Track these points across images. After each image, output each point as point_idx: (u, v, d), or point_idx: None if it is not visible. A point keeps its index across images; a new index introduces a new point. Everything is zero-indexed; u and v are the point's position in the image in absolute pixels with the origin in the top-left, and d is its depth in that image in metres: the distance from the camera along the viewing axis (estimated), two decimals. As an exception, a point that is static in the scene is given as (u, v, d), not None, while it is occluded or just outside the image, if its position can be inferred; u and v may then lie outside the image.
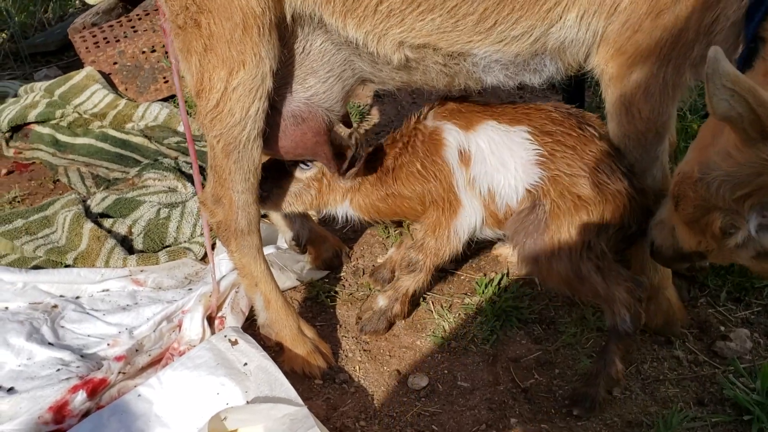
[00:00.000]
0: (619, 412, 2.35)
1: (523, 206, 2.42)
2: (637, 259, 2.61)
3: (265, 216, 3.24)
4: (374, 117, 4.70)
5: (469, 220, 2.56)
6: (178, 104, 4.73)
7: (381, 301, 2.74)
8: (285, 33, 2.26)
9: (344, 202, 2.74)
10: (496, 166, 2.45)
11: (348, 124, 2.86)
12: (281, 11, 2.18)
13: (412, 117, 2.69)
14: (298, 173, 2.70)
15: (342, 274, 3.16)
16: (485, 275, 3.02)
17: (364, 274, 3.16)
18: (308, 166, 2.68)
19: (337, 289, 3.05)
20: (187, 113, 4.29)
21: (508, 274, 3.00)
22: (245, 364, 2.40)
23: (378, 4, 2.18)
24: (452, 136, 2.53)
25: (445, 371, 2.57)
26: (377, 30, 2.25)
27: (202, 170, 3.80)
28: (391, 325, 2.76)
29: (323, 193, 2.72)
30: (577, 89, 3.74)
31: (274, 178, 2.69)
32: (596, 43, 2.25)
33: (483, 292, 2.87)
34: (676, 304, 2.62)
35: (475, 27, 2.22)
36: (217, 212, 2.47)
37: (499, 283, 2.90)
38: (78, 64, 5.27)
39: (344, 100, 2.56)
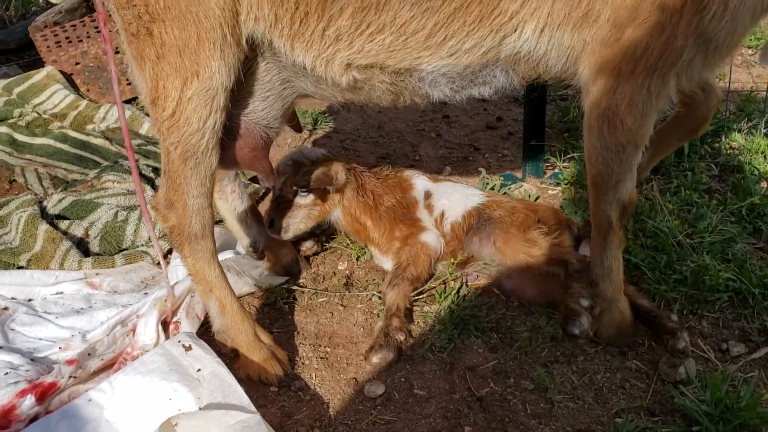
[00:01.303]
0: (571, 422, 2.37)
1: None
2: (592, 274, 2.65)
3: (219, 221, 3.21)
4: (341, 124, 4.71)
5: (432, 237, 3.08)
6: (140, 107, 4.69)
7: (379, 323, 2.76)
8: (241, 53, 2.27)
9: (335, 209, 3.16)
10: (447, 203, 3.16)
11: (297, 128, 2.88)
12: (237, 31, 2.20)
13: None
14: (300, 200, 3.07)
15: (302, 280, 3.14)
16: (444, 284, 3.03)
17: (324, 280, 3.15)
18: (305, 193, 3.05)
19: (295, 295, 3.03)
20: (147, 114, 4.23)
21: (467, 283, 3.01)
22: (198, 370, 2.37)
23: (325, 29, 2.20)
24: (420, 182, 3.24)
25: (402, 379, 2.57)
26: (325, 54, 2.28)
27: (157, 172, 3.78)
28: (399, 348, 2.68)
29: (322, 209, 3.12)
30: (539, 104, 3.79)
31: (280, 210, 3.05)
32: (567, 55, 2.28)
33: (441, 301, 2.88)
34: (628, 316, 2.65)
35: (424, 42, 2.25)
36: (169, 217, 2.45)
37: (458, 292, 2.91)
38: (39, 64, 5.20)
39: (284, 116, 2.60)
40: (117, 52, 4.93)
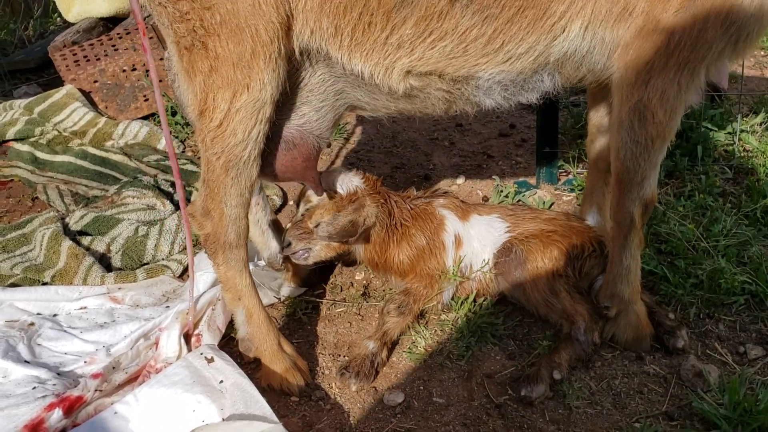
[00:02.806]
0: (590, 427, 2.39)
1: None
2: (610, 274, 2.68)
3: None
4: (356, 135, 4.76)
5: (448, 295, 2.96)
6: (158, 122, 4.77)
7: (370, 345, 2.70)
8: (291, 64, 2.32)
9: (357, 246, 2.99)
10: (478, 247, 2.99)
11: (327, 144, 2.91)
12: (289, 44, 2.24)
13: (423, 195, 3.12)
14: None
15: (320, 291, 3.18)
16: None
17: (341, 291, 3.19)
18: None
19: (314, 306, 3.07)
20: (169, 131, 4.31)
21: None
22: (221, 381, 2.41)
23: (388, 37, 2.24)
24: (452, 224, 2.99)
25: (421, 387, 2.60)
26: (385, 62, 2.32)
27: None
28: (377, 372, 2.68)
29: (343, 246, 2.95)
30: (551, 110, 3.81)
31: (299, 235, 2.88)
32: (608, 51, 2.32)
33: (458, 309, 2.91)
34: (645, 318, 2.67)
35: (483, 49, 2.29)
36: (205, 224, 2.51)
37: (474, 300, 2.94)
38: (58, 82, 5.30)
39: (334, 126, 2.63)
40: (134, 69, 5.02)
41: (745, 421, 2.29)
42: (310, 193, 2.90)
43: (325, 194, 2.85)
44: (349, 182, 2.88)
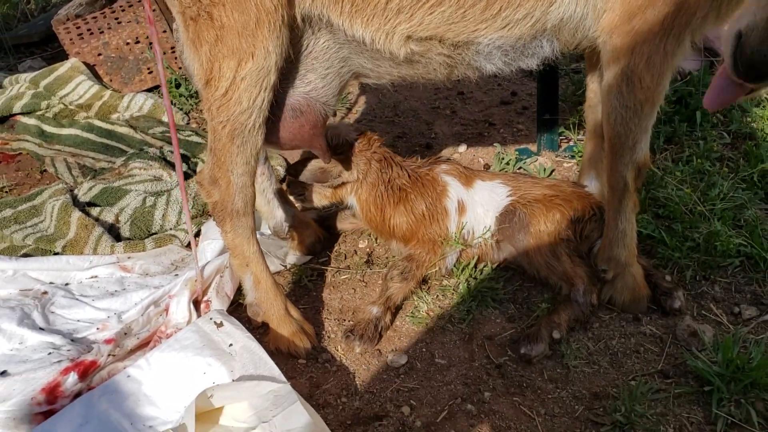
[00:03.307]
0: (587, 386, 2.47)
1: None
2: (606, 237, 2.74)
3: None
4: (358, 105, 4.79)
5: (452, 259, 3.03)
6: (162, 95, 4.82)
7: (374, 310, 2.76)
8: (293, 32, 2.36)
9: (349, 198, 3.10)
10: (482, 212, 3.03)
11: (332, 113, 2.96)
12: (292, 11, 2.28)
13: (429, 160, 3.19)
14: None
15: (325, 259, 3.26)
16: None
17: (345, 258, 3.26)
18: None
19: (319, 273, 3.15)
20: (171, 102, 4.35)
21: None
22: (230, 344, 2.49)
23: (387, 3, 2.28)
24: (455, 190, 3.03)
25: (423, 350, 2.68)
26: (386, 27, 2.36)
27: (185, 158, 3.89)
28: (380, 336, 2.75)
29: (333, 193, 3.09)
30: (551, 78, 3.84)
31: (300, 184, 3.07)
32: (598, 16, 2.36)
33: (459, 275, 2.98)
34: (641, 281, 2.74)
35: (482, 14, 2.33)
36: (213, 193, 2.57)
37: (475, 265, 3.00)
38: (62, 56, 5.33)
39: (339, 94, 2.68)
40: (138, 42, 5.05)
41: (738, 378, 2.36)
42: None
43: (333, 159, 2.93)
44: (347, 131, 3.00)
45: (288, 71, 2.48)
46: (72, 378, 2.41)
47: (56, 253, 3.23)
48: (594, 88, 3.01)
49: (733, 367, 2.38)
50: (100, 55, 5.01)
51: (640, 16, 2.24)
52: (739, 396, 2.36)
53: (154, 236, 3.35)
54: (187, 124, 4.63)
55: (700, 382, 2.45)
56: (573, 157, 3.92)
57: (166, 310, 2.77)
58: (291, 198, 3.17)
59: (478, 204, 3.03)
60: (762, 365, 2.37)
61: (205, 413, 2.25)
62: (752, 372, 2.36)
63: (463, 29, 2.37)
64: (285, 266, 3.17)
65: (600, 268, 2.76)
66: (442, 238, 2.97)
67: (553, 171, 3.79)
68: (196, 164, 3.95)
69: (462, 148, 4.16)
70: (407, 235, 3.00)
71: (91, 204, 3.51)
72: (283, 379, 2.31)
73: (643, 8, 2.23)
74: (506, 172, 3.52)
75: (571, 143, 4.03)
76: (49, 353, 2.53)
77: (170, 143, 4.17)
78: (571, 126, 4.09)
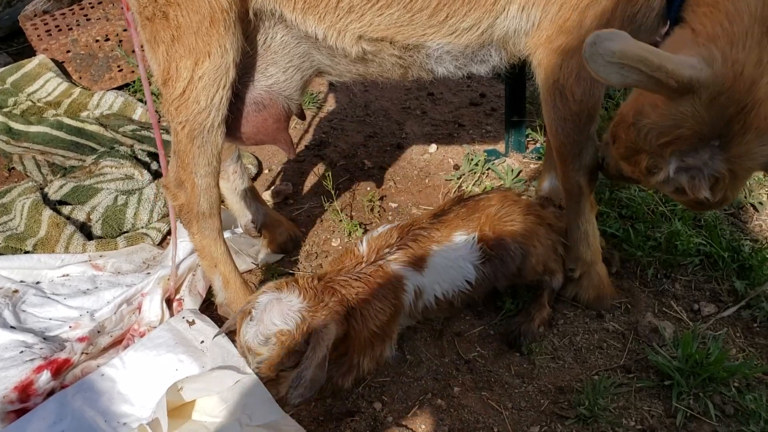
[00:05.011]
0: (552, 380, 2.55)
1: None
2: (571, 239, 2.81)
3: (221, 201, 3.35)
4: (329, 105, 4.83)
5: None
6: (132, 92, 4.80)
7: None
8: (248, 27, 2.39)
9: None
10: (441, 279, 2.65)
11: (302, 115, 2.99)
12: (245, 7, 2.31)
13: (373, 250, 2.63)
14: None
15: (296, 257, 3.29)
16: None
17: (317, 257, 3.30)
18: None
19: (291, 272, 3.18)
20: (141, 101, 4.33)
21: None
22: (202, 341, 2.53)
23: (339, 1, 2.32)
24: (411, 282, 2.58)
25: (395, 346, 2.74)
26: (338, 25, 2.39)
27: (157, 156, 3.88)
28: None
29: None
30: (519, 80, 3.92)
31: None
32: (531, 33, 2.41)
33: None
34: (606, 279, 2.83)
35: (428, 20, 2.38)
36: (179, 195, 2.59)
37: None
38: (28, 51, 5.27)
39: (302, 89, 2.71)
40: (107, 39, 5.02)
41: (696, 372, 2.47)
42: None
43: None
44: (288, 313, 2.25)
45: (249, 65, 2.50)
46: (45, 376, 2.43)
47: (27, 252, 3.23)
48: None
49: (692, 362, 2.48)
50: (68, 52, 4.97)
51: (566, 35, 2.30)
52: (697, 390, 2.46)
53: (126, 235, 3.36)
54: (158, 121, 4.61)
55: (661, 377, 2.55)
56: (540, 158, 4.00)
57: (139, 308, 2.79)
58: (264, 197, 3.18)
59: (435, 281, 2.64)
60: (719, 360, 2.47)
61: (178, 408, 2.29)
62: (710, 367, 2.46)
63: (412, 33, 2.42)
64: (256, 264, 3.20)
65: (568, 267, 2.84)
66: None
67: (520, 172, 3.87)
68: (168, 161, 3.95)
69: (432, 148, 4.22)
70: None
71: (62, 202, 3.50)
72: (249, 370, 2.33)
73: (570, 29, 2.29)
74: (456, 208, 2.82)
75: (538, 145, 4.12)
76: (21, 351, 2.53)
77: (141, 141, 4.17)
78: (538, 128, 4.17)
